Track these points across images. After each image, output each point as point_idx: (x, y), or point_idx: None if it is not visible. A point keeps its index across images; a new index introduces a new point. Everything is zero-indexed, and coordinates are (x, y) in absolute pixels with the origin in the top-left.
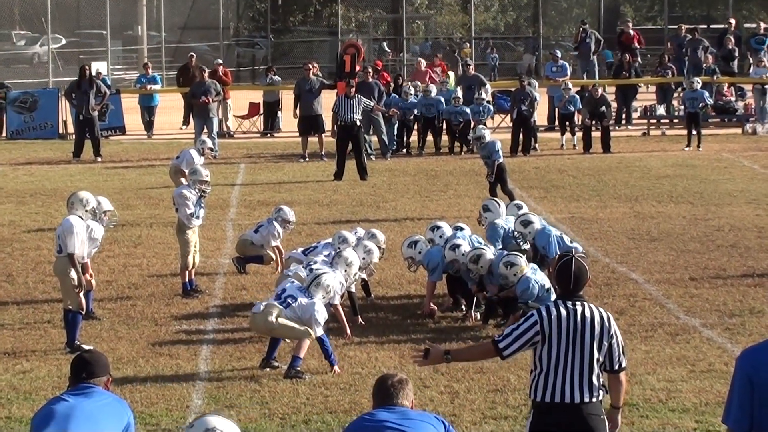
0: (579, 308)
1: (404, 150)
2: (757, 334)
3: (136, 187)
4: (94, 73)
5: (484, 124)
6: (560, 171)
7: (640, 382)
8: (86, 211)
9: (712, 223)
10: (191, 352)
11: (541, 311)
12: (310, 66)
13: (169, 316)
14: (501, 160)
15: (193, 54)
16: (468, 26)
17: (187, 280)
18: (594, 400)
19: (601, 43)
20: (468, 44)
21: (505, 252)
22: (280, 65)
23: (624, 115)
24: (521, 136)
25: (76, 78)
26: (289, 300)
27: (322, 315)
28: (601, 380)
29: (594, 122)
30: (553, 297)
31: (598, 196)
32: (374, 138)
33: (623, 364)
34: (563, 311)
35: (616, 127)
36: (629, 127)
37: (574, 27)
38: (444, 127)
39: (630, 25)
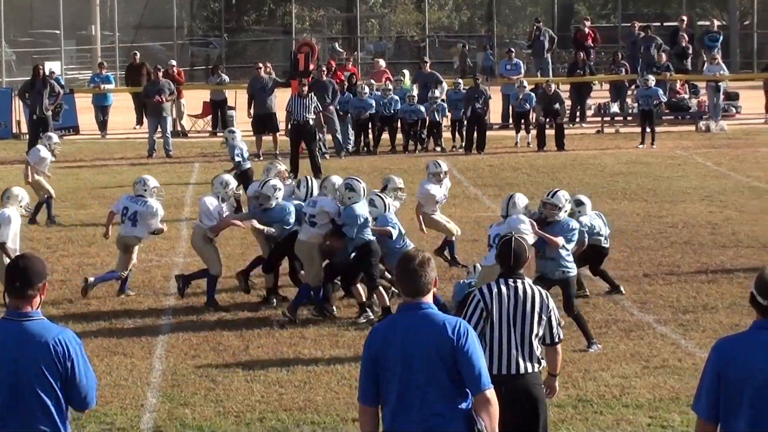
0: (519, 285)
1: (365, 149)
2: (711, 330)
3: (90, 187)
4: (47, 73)
5: (440, 122)
6: (514, 169)
7: (594, 378)
8: (20, 206)
9: (665, 220)
10: (145, 351)
11: (482, 289)
12: (261, 65)
13: (123, 314)
14: None
15: (136, 52)
16: (422, 25)
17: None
18: (535, 370)
19: (555, 40)
20: (423, 42)
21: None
22: (234, 65)
23: (578, 113)
24: (475, 134)
25: (29, 78)
26: None
27: None
28: (540, 352)
29: (548, 120)
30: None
31: None
32: (329, 137)
33: (561, 336)
34: (504, 288)
35: (571, 125)
36: (583, 124)
37: (528, 25)
38: (398, 125)
39: (587, 23)
